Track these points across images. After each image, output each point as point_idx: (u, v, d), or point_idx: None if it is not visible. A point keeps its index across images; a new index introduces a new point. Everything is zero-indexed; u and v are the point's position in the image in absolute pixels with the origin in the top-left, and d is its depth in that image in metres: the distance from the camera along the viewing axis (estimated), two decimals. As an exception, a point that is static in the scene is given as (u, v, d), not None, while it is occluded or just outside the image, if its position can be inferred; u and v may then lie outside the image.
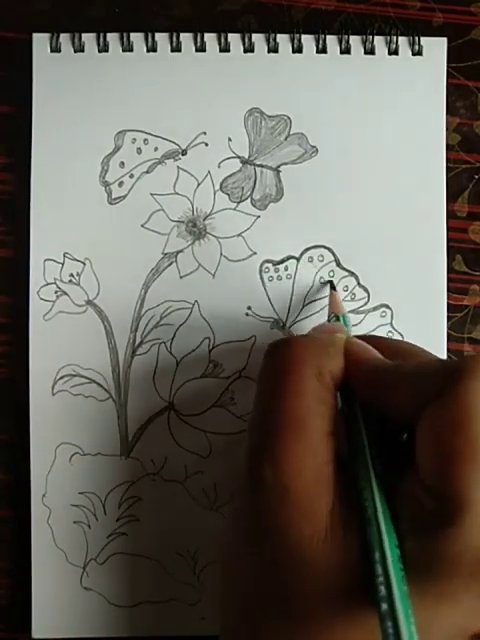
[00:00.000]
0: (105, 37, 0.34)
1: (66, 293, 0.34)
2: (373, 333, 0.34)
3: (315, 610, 0.23)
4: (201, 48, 0.34)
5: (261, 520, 0.24)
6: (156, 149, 0.34)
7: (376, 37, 0.34)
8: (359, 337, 0.29)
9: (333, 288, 0.34)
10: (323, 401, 0.25)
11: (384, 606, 0.21)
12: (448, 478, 0.21)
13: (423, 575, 0.22)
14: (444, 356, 0.34)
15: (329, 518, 0.23)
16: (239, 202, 0.34)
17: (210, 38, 0.34)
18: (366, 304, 0.34)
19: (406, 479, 0.24)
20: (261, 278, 0.34)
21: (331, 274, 0.34)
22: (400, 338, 0.34)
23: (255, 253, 0.34)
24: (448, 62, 0.34)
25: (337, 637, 0.23)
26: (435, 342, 0.34)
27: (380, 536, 0.22)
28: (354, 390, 0.27)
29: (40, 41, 0.34)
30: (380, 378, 0.26)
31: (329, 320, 0.32)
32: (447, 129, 0.34)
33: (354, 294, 0.34)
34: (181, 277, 0.34)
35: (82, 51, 0.34)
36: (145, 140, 0.34)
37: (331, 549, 0.23)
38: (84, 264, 0.34)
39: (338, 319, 0.31)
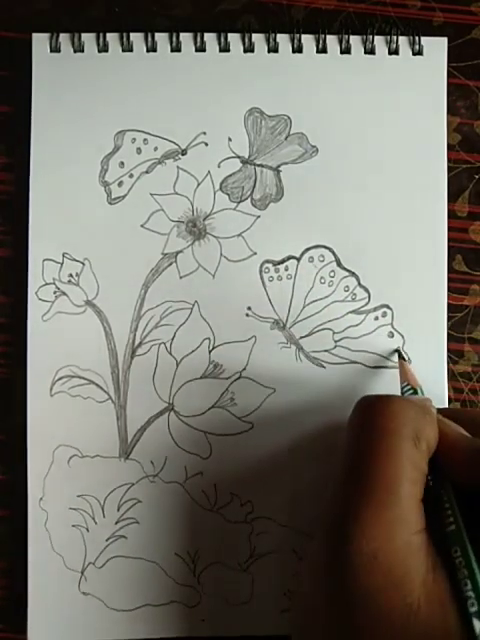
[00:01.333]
0: (105, 37, 0.34)
1: (65, 293, 0.34)
2: (374, 333, 0.34)
3: None
4: (201, 48, 0.34)
5: (347, 586, 0.23)
6: (156, 149, 0.34)
7: (376, 37, 0.34)
8: (441, 411, 0.29)
9: (402, 358, 0.33)
10: (417, 467, 0.25)
11: None
12: None
13: None
14: (444, 357, 0.34)
15: (422, 589, 0.23)
16: (239, 202, 0.34)
17: (210, 38, 0.34)
18: (367, 304, 0.34)
19: None
20: (261, 278, 0.34)
21: (332, 274, 0.34)
22: (400, 338, 0.34)
23: (255, 253, 0.34)
24: (448, 62, 0.34)
25: None
26: (435, 342, 0.34)
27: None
28: (442, 466, 0.26)
29: (40, 41, 0.34)
30: (461, 455, 0.25)
31: (403, 391, 0.31)
32: (447, 129, 0.34)
33: (354, 294, 0.34)
34: (181, 277, 0.34)
35: (82, 51, 0.34)
36: (145, 140, 0.34)
37: (424, 622, 0.22)
38: (83, 264, 0.34)
39: (416, 392, 0.31)
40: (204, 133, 0.34)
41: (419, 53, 0.34)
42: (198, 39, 0.34)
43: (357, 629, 0.23)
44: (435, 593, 0.23)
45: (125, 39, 0.34)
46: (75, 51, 0.34)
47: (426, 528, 0.24)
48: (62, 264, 0.34)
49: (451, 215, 0.34)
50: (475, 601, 0.22)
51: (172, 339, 0.34)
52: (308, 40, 0.34)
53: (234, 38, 0.34)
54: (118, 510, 0.33)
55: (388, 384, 0.34)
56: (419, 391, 0.31)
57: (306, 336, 0.34)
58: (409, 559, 0.23)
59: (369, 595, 0.23)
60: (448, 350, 0.34)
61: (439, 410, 0.28)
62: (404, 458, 0.24)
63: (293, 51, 0.34)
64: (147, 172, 0.34)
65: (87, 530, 0.33)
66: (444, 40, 0.34)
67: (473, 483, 0.25)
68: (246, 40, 0.34)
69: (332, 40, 0.34)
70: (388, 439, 0.24)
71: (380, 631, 0.22)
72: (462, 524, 0.25)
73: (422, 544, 0.23)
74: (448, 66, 0.34)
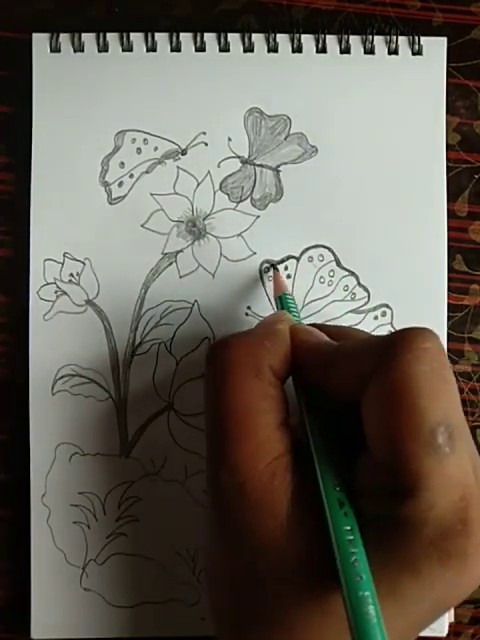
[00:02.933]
0: (105, 37, 0.34)
1: (66, 293, 0.34)
2: (374, 333, 0.34)
3: (289, 606, 0.23)
4: (201, 48, 0.34)
5: (227, 524, 0.24)
6: (156, 149, 0.34)
7: (376, 37, 0.34)
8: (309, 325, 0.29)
9: (275, 269, 0.34)
10: (266, 396, 0.25)
11: (345, 587, 0.20)
12: (397, 453, 0.22)
13: (383, 547, 0.22)
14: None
15: (290, 508, 0.23)
16: (239, 202, 0.34)
17: (210, 38, 0.34)
18: (366, 304, 0.34)
19: (361, 458, 0.24)
20: (261, 278, 0.34)
21: (331, 274, 0.34)
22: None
23: (255, 253, 0.34)
24: (448, 62, 0.34)
25: (315, 630, 0.23)
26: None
27: (336, 517, 0.22)
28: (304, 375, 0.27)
29: (40, 41, 0.34)
30: (321, 358, 0.26)
31: (276, 300, 0.32)
32: (447, 129, 0.34)
33: (354, 294, 0.34)
34: (181, 277, 0.34)
35: (82, 51, 0.34)
36: (145, 140, 0.34)
37: (295, 538, 0.23)
38: (84, 264, 0.34)
39: (282, 301, 0.31)
40: (204, 133, 0.34)
41: (419, 53, 0.34)
42: (198, 39, 0.34)
43: (244, 565, 0.24)
44: (305, 508, 0.23)
45: (125, 39, 0.34)
46: (75, 51, 0.34)
47: (294, 447, 0.25)
48: (63, 264, 0.34)
49: (451, 215, 0.34)
50: (326, 494, 0.23)
51: (172, 338, 0.34)
52: (308, 40, 0.34)
53: (234, 38, 0.34)
54: (118, 508, 0.34)
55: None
56: (284, 299, 0.31)
57: (305, 336, 0.34)
58: (274, 484, 0.24)
59: (246, 527, 0.24)
60: (448, 350, 0.34)
61: (310, 324, 0.29)
62: (250, 392, 0.25)
63: (293, 51, 0.34)
64: (147, 172, 0.34)
65: (88, 527, 0.34)
66: (444, 40, 0.34)
67: (321, 384, 0.26)
68: (246, 40, 0.34)
69: (332, 40, 0.34)
70: (230, 379, 0.25)
71: (264, 561, 0.23)
72: (313, 427, 0.25)
73: (288, 465, 0.24)
74: (448, 66, 0.34)
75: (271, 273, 0.34)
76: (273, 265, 0.34)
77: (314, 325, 0.29)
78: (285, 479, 0.24)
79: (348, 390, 0.24)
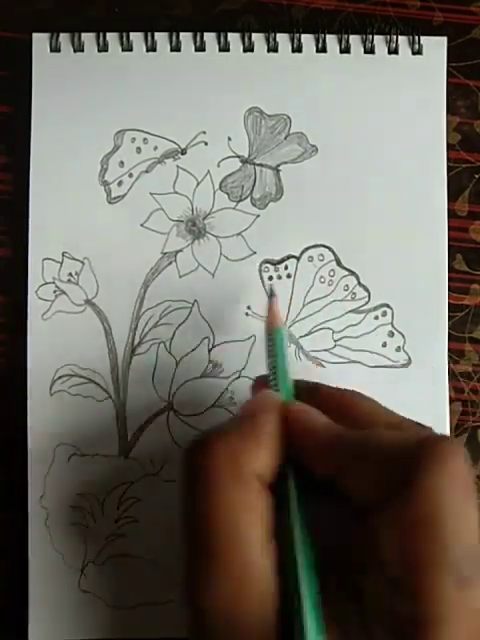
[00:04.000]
0: (105, 37, 0.34)
1: (65, 292, 0.34)
2: (374, 333, 0.34)
3: None
4: (201, 48, 0.34)
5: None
6: (155, 148, 0.34)
7: (376, 36, 0.34)
8: (298, 386, 0.27)
9: (273, 294, 0.30)
10: (250, 508, 0.22)
11: None
12: (417, 577, 0.20)
13: None
14: (444, 357, 0.34)
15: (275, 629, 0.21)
16: (239, 201, 0.34)
17: (210, 38, 0.34)
18: (366, 303, 0.34)
19: (369, 573, 0.21)
20: (261, 278, 0.34)
21: (331, 274, 0.34)
22: (401, 338, 0.34)
23: (255, 252, 0.34)
24: (448, 61, 0.34)
25: None
26: (436, 342, 0.34)
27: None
28: (293, 479, 0.24)
29: (40, 41, 0.34)
30: (339, 454, 0.23)
31: (268, 337, 0.29)
32: (447, 128, 0.34)
33: (354, 293, 0.34)
34: (180, 276, 0.34)
35: (82, 51, 0.34)
36: (144, 139, 0.34)
37: None
38: (83, 263, 0.34)
39: (276, 338, 0.28)
40: (204, 132, 0.34)
41: (419, 53, 0.34)
42: (198, 39, 0.34)
43: None
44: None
45: (125, 39, 0.34)
46: (75, 51, 0.34)
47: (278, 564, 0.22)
48: (62, 263, 0.34)
49: (451, 215, 0.34)
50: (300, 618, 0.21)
51: (171, 338, 0.34)
52: (308, 40, 0.34)
53: (234, 38, 0.34)
54: (118, 508, 0.33)
55: (388, 383, 0.34)
56: (277, 334, 0.28)
57: (306, 335, 0.34)
58: (267, 607, 0.21)
59: None
60: (449, 350, 0.34)
61: (299, 383, 0.26)
62: (231, 507, 0.22)
63: (293, 51, 0.34)
64: (147, 171, 0.34)
65: (87, 528, 0.34)
66: (444, 40, 0.34)
67: (335, 478, 0.23)
68: (246, 40, 0.34)
69: (332, 40, 0.34)
70: (208, 492, 0.22)
71: None
72: (302, 551, 0.22)
73: (276, 593, 0.22)
74: (448, 66, 0.34)
75: (270, 300, 0.30)
76: (271, 291, 0.31)
77: (311, 386, 0.27)
78: (274, 610, 0.22)
79: (364, 493, 0.22)
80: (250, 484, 0.22)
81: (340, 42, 0.34)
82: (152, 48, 0.34)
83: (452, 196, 0.34)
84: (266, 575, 0.22)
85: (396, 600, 0.20)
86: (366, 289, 0.34)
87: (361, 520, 0.22)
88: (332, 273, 0.34)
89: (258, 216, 0.34)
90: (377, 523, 0.21)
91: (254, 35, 0.34)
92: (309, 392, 0.26)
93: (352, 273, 0.34)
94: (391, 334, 0.34)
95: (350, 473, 0.22)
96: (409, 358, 0.34)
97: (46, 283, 0.34)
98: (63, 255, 0.34)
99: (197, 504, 0.22)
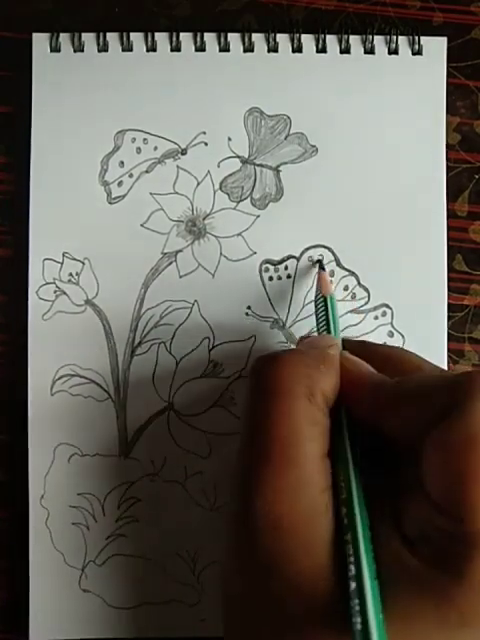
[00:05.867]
0: (105, 37, 0.34)
1: (65, 293, 0.34)
2: (374, 333, 0.34)
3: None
4: (201, 48, 0.34)
5: (256, 556, 0.23)
6: (156, 148, 0.34)
7: (376, 37, 0.34)
8: (346, 342, 0.28)
9: (322, 268, 0.33)
10: (315, 423, 0.24)
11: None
12: (464, 501, 0.20)
13: (443, 600, 0.21)
14: (444, 357, 0.34)
15: (329, 548, 0.22)
16: (239, 201, 0.34)
17: (210, 38, 0.34)
18: (366, 304, 0.34)
19: (412, 500, 0.23)
20: (261, 278, 0.34)
21: (331, 274, 0.34)
22: (400, 338, 0.34)
23: (255, 253, 0.34)
24: (448, 61, 0.34)
25: None
26: (435, 342, 0.34)
27: (359, 566, 0.21)
28: (345, 409, 0.25)
29: (40, 41, 0.34)
30: (381, 398, 0.24)
31: (316, 300, 0.31)
32: (447, 129, 0.34)
33: (354, 294, 0.34)
34: (181, 277, 0.34)
35: (82, 51, 0.34)
36: (145, 140, 0.34)
37: (331, 579, 0.22)
38: (83, 264, 0.34)
39: (325, 301, 0.31)
40: (204, 133, 0.34)
41: (419, 53, 0.34)
42: (198, 39, 0.34)
43: (269, 595, 0.22)
44: (340, 549, 0.22)
45: (125, 39, 0.34)
46: (75, 51, 0.34)
47: (333, 485, 0.23)
48: (62, 263, 0.34)
49: (451, 215, 0.34)
50: (354, 566, 0.21)
51: (172, 338, 0.34)
52: (308, 40, 0.34)
53: (234, 38, 0.34)
54: (118, 508, 0.34)
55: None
56: (329, 300, 0.31)
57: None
58: (315, 521, 0.22)
59: (277, 561, 0.22)
60: (448, 350, 0.34)
61: (348, 341, 0.28)
62: (299, 417, 0.23)
63: (293, 51, 0.34)
64: (147, 172, 0.34)
65: (87, 528, 0.34)
66: (444, 40, 0.34)
67: (376, 423, 0.24)
68: (246, 40, 0.34)
69: (332, 40, 0.34)
70: (280, 400, 0.23)
71: (291, 597, 0.22)
72: (354, 482, 0.23)
73: (329, 502, 0.23)
74: (448, 66, 0.34)
75: (316, 270, 0.33)
76: (319, 262, 0.33)
77: (360, 343, 0.29)
78: (327, 516, 0.23)
79: (406, 431, 0.23)
80: (318, 401, 0.24)
81: (340, 42, 0.34)
82: (152, 48, 0.34)
83: (452, 196, 0.35)
84: (318, 490, 0.23)
85: (440, 521, 0.21)
86: (366, 289, 0.34)
87: (406, 455, 0.23)
88: (332, 273, 0.34)
89: (258, 216, 0.34)
90: (423, 448, 0.22)
91: (254, 35, 0.34)
92: (357, 347, 0.28)
93: (352, 273, 0.34)
94: (391, 334, 0.34)
95: (397, 412, 0.23)
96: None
97: (46, 283, 0.34)
98: (63, 255, 0.34)
99: (267, 411, 0.23)
